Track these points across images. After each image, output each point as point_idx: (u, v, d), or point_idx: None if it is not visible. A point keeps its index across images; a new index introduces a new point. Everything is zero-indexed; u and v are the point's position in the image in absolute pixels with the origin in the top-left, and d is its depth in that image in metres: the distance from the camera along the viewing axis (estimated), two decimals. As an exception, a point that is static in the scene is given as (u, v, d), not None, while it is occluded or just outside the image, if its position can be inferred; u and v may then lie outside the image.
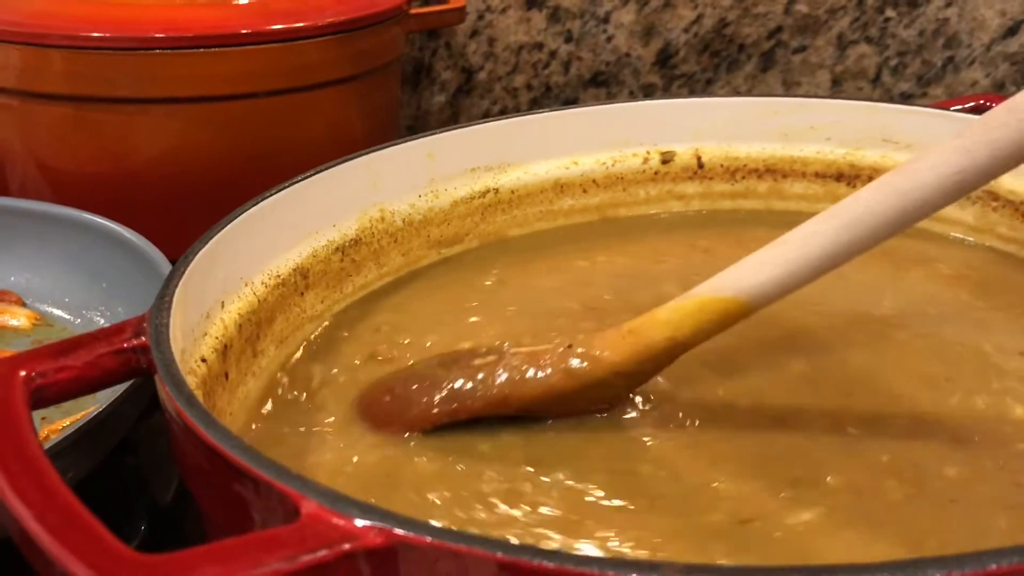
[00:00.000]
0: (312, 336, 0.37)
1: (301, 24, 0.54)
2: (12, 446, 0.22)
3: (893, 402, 0.32)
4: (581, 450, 0.30)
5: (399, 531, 0.20)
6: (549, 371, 0.30)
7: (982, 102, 0.49)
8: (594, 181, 0.47)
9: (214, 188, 0.55)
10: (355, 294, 0.40)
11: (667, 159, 0.48)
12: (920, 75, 0.69)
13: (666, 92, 0.72)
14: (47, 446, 0.34)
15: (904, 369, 0.34)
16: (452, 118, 0.76)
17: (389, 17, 0.59)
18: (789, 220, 0.30)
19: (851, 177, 0.48)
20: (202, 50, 0.53)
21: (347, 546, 0.19)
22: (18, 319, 0.49)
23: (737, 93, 0.71)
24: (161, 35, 0.52)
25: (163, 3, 0.57)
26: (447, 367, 0.31)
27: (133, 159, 0.56)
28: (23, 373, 0.25)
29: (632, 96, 0.73)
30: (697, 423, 0.31)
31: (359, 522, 0.20)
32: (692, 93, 0.72)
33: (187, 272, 0.30)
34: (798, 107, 0.48)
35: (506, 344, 0.32)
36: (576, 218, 0.47)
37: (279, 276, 0.36)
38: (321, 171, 0.38)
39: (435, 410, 0.30)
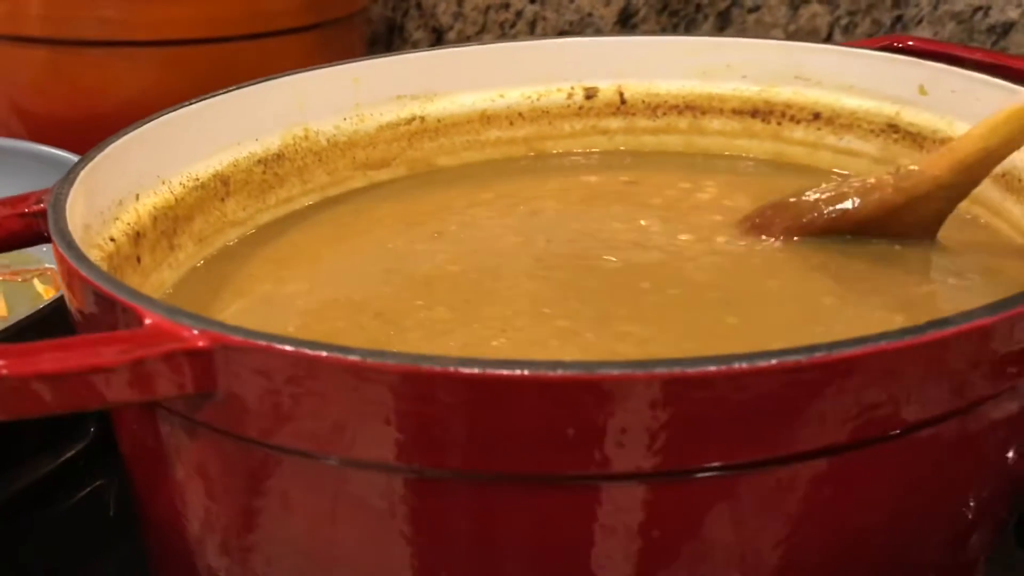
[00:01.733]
0: (233, 239, 0.40)
1: (265, -30, 0.58)
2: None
3: None
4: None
5: (219, 333, 0.23)
6: (879, 193, 0.36)
7: (892, 43, 0.51)
8: (520, 114, 0.50)
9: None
10: (279, 207, 0.43)
11: (591, 95, 0.51)
12: (870, 34, 0.71)
13: (626, 51, 0.75)
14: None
15: None
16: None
17: (350, -33, 0.62)
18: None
19: (765, 113, 0.50)
20: (170, -6, 0.57)
21: (173, 345, 0.23)
22: (-11, 253, 0.53)
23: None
24: (130, -22, 0.55)
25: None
26: (799, 196, 0.39)
27: (107, 102, 0.59)
28: (-71, 228, 0.28)
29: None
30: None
31: (194, 330, 0.23)
32: (650, 51, 0.74)
33: (97, 158, 0.33)
34: (715, 46, 0.51)
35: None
36: (504, 149, 0.50)
37: (198, 179, 0.39)
38: (244, 87, 0.41)
39: (795, 226, 0.38)
